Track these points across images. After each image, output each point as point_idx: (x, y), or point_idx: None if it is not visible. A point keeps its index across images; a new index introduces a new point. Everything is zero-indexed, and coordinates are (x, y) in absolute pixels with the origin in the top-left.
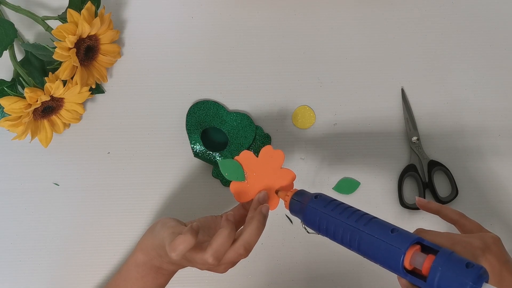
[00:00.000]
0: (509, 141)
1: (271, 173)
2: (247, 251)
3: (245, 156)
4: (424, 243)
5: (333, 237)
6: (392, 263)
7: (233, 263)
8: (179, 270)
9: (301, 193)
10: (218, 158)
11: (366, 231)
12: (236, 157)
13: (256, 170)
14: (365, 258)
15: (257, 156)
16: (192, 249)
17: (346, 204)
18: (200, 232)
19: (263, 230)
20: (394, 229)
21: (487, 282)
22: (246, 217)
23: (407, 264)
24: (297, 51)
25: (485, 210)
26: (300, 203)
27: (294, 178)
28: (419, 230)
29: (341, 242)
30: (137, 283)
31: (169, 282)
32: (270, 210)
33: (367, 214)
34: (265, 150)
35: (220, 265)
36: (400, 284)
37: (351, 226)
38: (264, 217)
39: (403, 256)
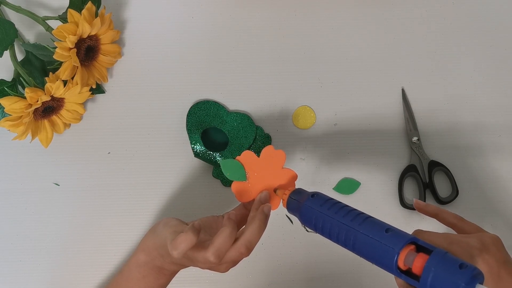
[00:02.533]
0: (510, 141)
1: (272, 173)
2: (248, 250)
3: (247, 156)
4: (419, 243)
5: (329, 236)
6: (386, 263)
7: (234, 262)
8: (180, 270)
9: (298, 192)
10: (219, 158)
11: (361, 231)
12: (237, 157)
13: (257, 170)
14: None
15: (258, 156)
16: (194, 248)
17: (342, 203)
18: (202, 231)
19: (264, 229)
20: (388, 229)
21: (481, 283)
22: (248, 216)
23: (401, 264)
24: (297, 51)
25: (486, 210)
26: (297, 201)
27: (295, 178)
28: (417, 231)
29: (337, 241)
30: (139, 283)
31: (170, 282)
32: (271, 210)
33: (363, 213)
34: (267, 150)
35: (222, 264)
36: (397, 284)
37: (346, 225)
38: (266, 216)
39: (397, 256)
